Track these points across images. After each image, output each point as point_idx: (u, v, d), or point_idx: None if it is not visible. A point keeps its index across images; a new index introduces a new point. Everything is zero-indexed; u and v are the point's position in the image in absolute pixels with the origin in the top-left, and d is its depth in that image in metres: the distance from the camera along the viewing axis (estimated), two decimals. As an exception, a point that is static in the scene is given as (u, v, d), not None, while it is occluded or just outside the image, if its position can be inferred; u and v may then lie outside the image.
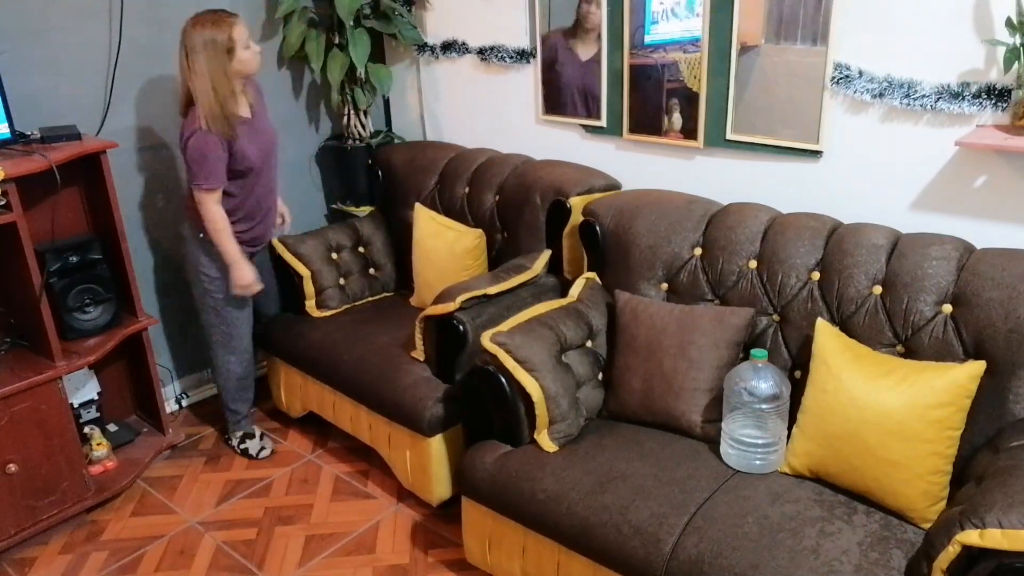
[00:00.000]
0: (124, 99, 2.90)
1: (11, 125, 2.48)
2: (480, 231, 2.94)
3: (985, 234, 2.12)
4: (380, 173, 3.35)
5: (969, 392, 1.85)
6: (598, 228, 2.54)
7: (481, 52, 3.20)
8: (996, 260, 1.96)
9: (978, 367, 1.86)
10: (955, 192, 2.19)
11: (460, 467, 2.28)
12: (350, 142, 3.42)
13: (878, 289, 2.08)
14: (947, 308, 1.99)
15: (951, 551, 1.53)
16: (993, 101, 2.05)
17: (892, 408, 1.85)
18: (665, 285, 2.43)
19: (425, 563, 2.46)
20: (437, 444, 2.52)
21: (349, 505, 2.74)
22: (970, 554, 1.52)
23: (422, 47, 3.39)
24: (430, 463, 2.54)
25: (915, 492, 1.83)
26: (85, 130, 2.71)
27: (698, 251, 2.38)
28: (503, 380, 2.17)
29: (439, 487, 2.58)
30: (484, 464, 2.20)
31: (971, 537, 1.50)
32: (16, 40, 2.60)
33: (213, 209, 2.57)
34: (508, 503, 2.14)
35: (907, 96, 2.18)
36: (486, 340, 2.20)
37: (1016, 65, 1.94)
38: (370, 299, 3.21)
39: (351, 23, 3.07)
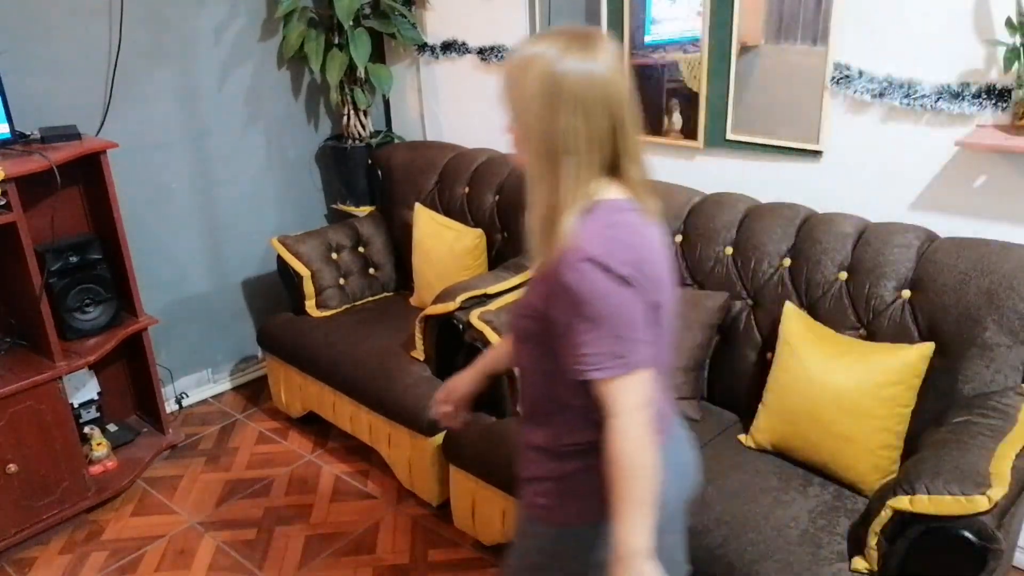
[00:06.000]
0: (124, 99, 2.90)
1: (11, 125, 2.48)
2: (480, 231, 2.94)
3: (985, 234, 2.11)
4: (380, 173, 3.35)
5: (919, 372, 1.92)
6: None
7: (481, 52, 3.20)
8: (953, 248, 2.04)
9: (927, 348, 1.93)
10: (955, 192, 2.19)
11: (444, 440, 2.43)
12: (350, 142, 3.42)
13: (844, 275, 2.15)
14: (906, 293, 2.06)
15: (884, 515, 1.64)
16: (993, 101, 2.05)
17: (846, 386, 1.93)
18: (649, 270, 2.52)
19: (425, 563, 2.46)
20: (437, 444, 2.52)
21: (349, 505, 2.74)
22: (902, 518, 1.61)
23: (422, 47, 3.39)
24: (430, 463, 2.54)
25: (866, 466, 1.92)
26: (85, 130, 2.70)
27: (679, 238, 2.46)
28: None
29: (439, 487, 2.58)
30: (471, 434, 2.32)
31: (902, 503, 1.60)
32: (16, 40, 2.60)
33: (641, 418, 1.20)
34: (493, 472, 2.26)
35: (907, 96, 2.18)
36: (474, 318, 2.32)
37: (1016, 65, 1.94)
38: (370, 299, 3.21)
39: (350, 23, 3.07)
